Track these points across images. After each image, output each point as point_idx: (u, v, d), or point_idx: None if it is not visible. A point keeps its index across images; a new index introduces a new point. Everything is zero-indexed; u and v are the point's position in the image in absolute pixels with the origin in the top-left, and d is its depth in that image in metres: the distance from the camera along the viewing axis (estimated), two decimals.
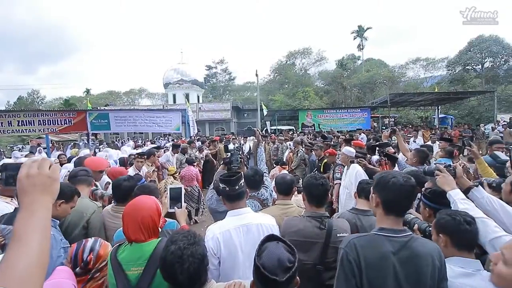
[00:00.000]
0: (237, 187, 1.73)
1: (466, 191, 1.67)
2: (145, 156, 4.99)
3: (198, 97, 36.19)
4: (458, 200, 1.50)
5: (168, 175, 5.51)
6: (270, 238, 1.16)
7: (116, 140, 18.60)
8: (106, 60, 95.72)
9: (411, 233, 1.27)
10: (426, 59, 33.41)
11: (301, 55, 39.92)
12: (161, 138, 18.15)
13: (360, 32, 39.75)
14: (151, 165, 5.12)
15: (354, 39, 40.63)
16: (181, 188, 2.00)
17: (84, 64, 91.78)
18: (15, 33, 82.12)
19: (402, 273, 1.17)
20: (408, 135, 11.17)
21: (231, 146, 4.81)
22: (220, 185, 1.78)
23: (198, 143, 10.40)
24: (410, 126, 16.32)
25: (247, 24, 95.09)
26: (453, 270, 1.25)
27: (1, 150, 9.38)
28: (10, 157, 8.37)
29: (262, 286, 1.06)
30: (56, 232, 1.73)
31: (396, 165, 3.37)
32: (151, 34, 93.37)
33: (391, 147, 3.67)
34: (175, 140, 11.86)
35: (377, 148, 2.86)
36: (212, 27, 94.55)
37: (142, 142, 14.07)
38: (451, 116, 22.57)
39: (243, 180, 1.80)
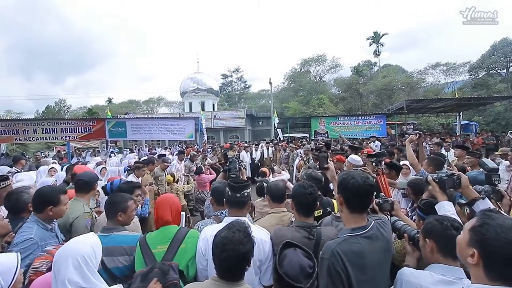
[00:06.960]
0: (238, 195, 1.75)
1: (471, 203, 1.60)
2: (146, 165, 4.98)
3: (213, 105, 36.76)
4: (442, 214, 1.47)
5: (167, 184, 5.40)
6: (286, 245, 1.20)
7: (134, 147, 19.21)
8: (127, 70, 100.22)
9: (372, 221, 1.37)
10: (447, 64, 31.97)
11: (316, 63, 39.66)
12: (177, 145, 18.53)
13: (376, 38, 39.08)
14: (150, 173, 5.12)
15: (370, 45, 40.00)
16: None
17: (108, 74, 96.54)
18: (46, 45, 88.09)
19: (377, 258, 1.31)
20: (429, 142, 10.81)
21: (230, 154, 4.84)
22: (227, 188, 1.83)
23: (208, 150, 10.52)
24: (428, 133, 15.63)
25: (262, 32, 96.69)
26: (433, 276, 1.20)
27: (27, 156, 9.87)
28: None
29: None
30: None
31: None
32: (170, 46, 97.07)
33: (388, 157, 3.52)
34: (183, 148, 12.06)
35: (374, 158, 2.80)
36: (227, 36, 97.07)
37: (161, 149, 14.41)
38: (475, 123, 21.38)
39: (248, 191, 1.81)
